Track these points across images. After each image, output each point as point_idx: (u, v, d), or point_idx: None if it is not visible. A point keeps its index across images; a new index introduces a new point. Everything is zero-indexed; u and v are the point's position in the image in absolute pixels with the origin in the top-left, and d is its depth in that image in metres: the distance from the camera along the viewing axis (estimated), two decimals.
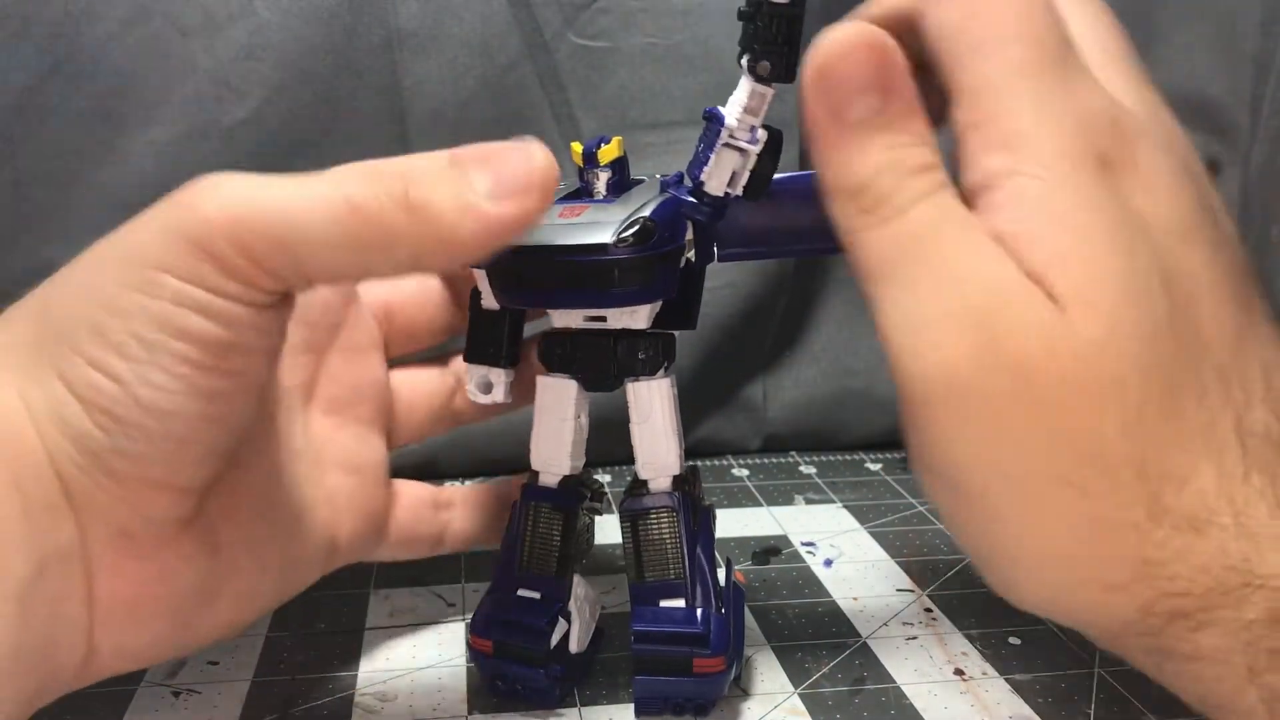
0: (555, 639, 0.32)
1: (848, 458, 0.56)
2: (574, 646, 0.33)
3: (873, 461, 0.55)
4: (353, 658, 0.36)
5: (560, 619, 0.33)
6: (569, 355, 0.33)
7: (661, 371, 0.33)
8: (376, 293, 0.36)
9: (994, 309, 0.24)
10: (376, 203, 0.25)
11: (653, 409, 0.32)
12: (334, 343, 0.35)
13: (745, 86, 0.29)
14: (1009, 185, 0.24)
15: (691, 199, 0.30)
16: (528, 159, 0.26)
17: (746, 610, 0.39)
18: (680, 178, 0.31)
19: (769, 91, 0.29)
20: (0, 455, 0.25)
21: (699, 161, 0.30)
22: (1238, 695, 0.24)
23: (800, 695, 0.34)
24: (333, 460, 0.34)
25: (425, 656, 0.36)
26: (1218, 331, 0.24)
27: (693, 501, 0.33)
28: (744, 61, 0.28)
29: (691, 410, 0.54)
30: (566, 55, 0.50)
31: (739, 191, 0.30)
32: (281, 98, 0.47)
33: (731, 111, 0.29)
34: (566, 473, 0.34)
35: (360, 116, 0.48)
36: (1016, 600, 0.26)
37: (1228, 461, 0.24)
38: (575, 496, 0.34)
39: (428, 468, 0.51)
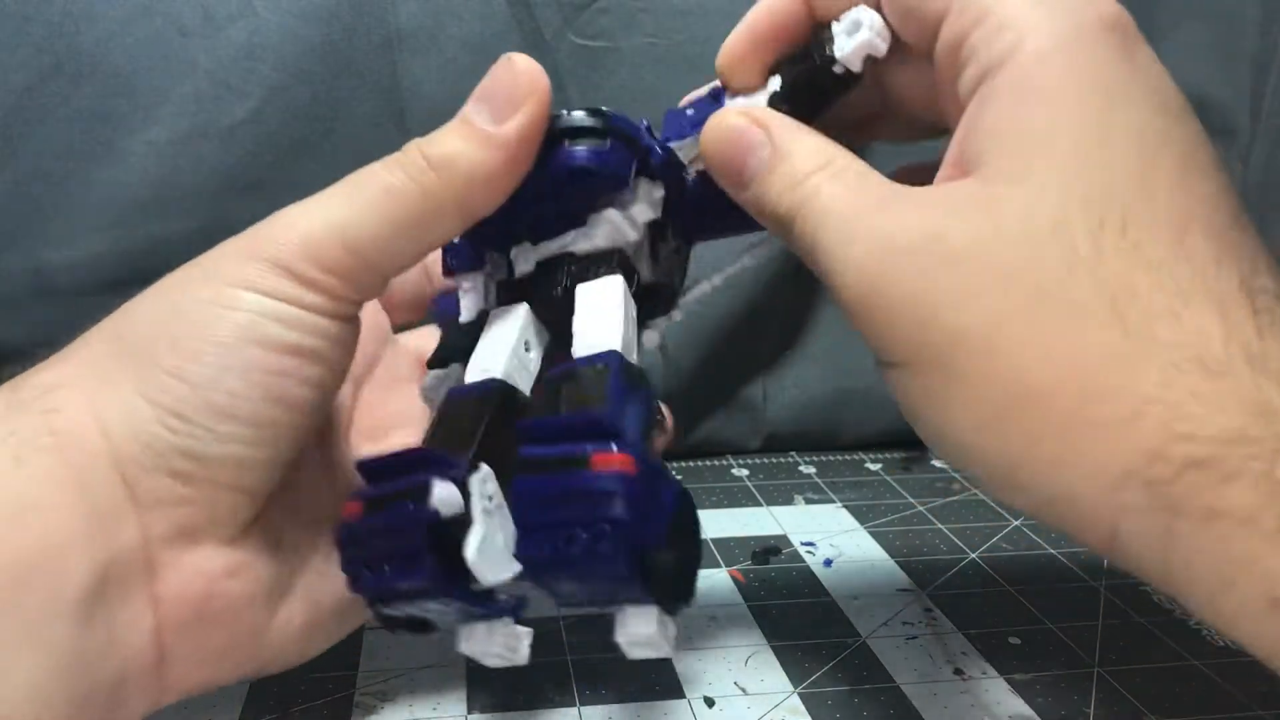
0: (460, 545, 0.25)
1: (848, 458, 0.56)
2: (473, 558, 0.25)
3: (873, 461, 0.55)
4: (352, 657, 0.36)
5: (462, 509, 0.25)
6: (523, 290, 0.31)
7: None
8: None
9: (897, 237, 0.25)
10: (405, 179, 0.27)
11: (603, 299, 0.30)
12: (371, 375, 0.36)
13: (752, 102, 0.31)
14: (1010, 62, 0.25)
15: (656, 145, 0.31)
16: (511, 72, 0.28)
17: (747, 609, 0.39)
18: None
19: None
20: (66, 460, 0.25)
21: (688, 121, 0.32)
22: (1260, 560, 0.20)
23: (800, 695, 0.34)
24: None
25: (424, 656, 0.36)
26: (1207, 200, 0.24)
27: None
28: (777, 96, 0.31)
29: (691, 410, 0.54)
30: (566, 55, 0.50)
31: (697, 168, 0.31)
32: (281, 98, 0.47)
33: (739, 101, 0.31)
34: (499, 375, 0.29)
35: (360, 117, 0.48)
36: (1007, 480, 0.24)
37: (1234, 313, 0.22)
38: (501, 392, 0.29)
39: None
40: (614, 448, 0.24)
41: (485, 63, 0.51)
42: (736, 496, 0.50)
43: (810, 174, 0.27)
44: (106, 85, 0.46)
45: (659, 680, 0.34)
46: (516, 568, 0.26)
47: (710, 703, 0.33)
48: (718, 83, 0.33)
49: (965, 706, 0.33)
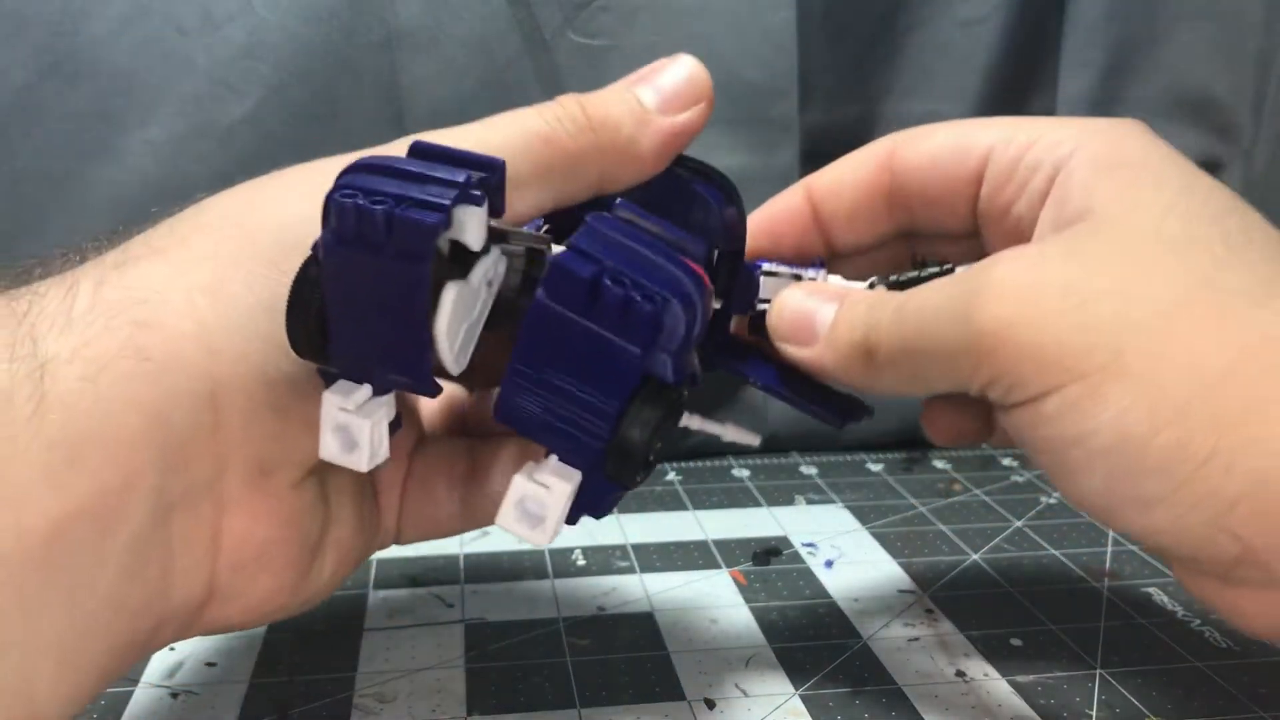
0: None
1: (848, 458, 0.55)
2: (447, 306, 0.22)
3: (873, 462, 0.55)
4: (351, 659, 0.36)
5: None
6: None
7: None
8: None
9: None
10: (562, 128, 0.27)
11: None
12: None
13: (848, 287, 0.31)
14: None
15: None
16: (687, 69, 0.28)
17: (748, 610, 0.39)
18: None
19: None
20: (153, 381, 0.23)
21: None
22: None
23: (801, 696, 0.34)
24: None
25: (424, 657, 0.36)
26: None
27: None
28: (878, 283, 0.31)
29: (691, 411, 0.54)
30: (566, 54, 0.50)
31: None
32: (280, 97, 0.47)
33: (831, 282, 0.31)
34: None
35: (359, 116, 0.48)
36: (1195, 473, 0.23)
37: None
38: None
39: None
40: (702, 267, 0.24)
41: (485, 62, 0.52)
42: (737, 497, 0.50)
43: (884, 298, 0.27)
44: (105, 84, 0.46)
45: (659, 682, 0.34)
46: (462, 364, 0.23)
47: (711, 704, 0.33)
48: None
49: (967, 708, 0.33)
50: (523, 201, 0.27)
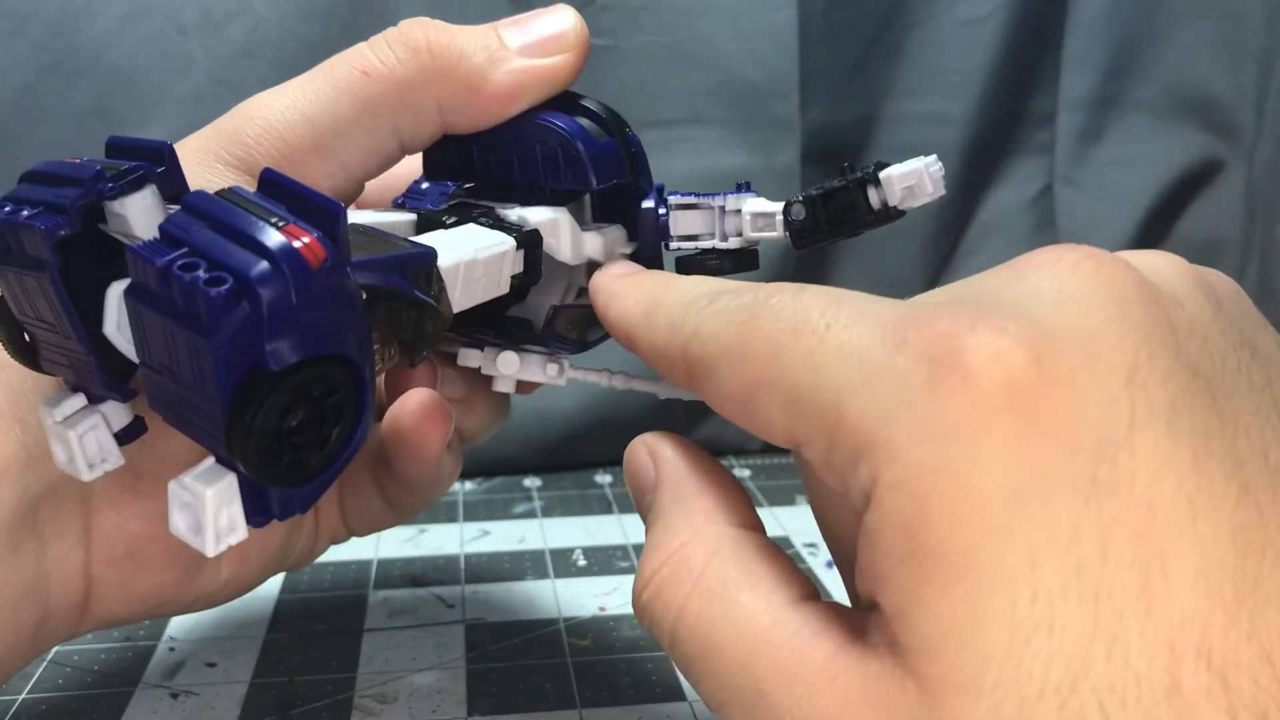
0: None
1: None
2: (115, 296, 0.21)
3: None
4: (351, 659, 0.36)
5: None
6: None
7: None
8: None
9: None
10: (389, 56, 0.26)
11: (477, 237, 0.26)
12: None
13: (770, 209, 0.27)
14: None
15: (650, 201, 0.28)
16: (560, 18, 0.27)
17: None
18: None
19: (771, 236, 0.27)
20: (9, 388, 0.24)
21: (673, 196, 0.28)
22: None
23: None
24: None
25: (424, 658, 0.36)
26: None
27: None
28: (794, 204, 0.27)
29: (692, 410, 0.54)
30: None
31: (629, 251, 0.28)
32: None
33: (750, 205, 0.27)
34: None
35: None
36: None
37: None
38: None
39: None
40: (317, 234, 0.19)
41: None
42: None
43: (664, 569, 0.21)
44: (105, 83, 0.46)
45: (660, 682, 0.34)
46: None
47: None
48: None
49: None
50: (351, 147, 0.26)
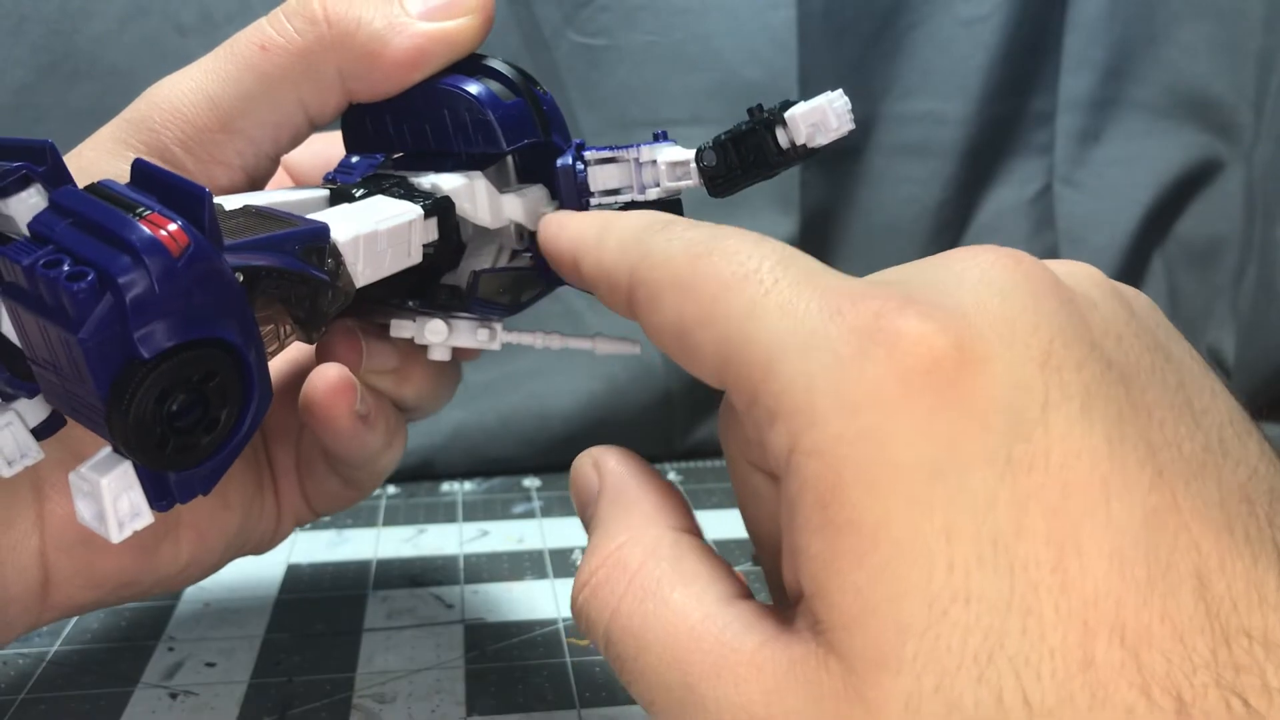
0: None
1: None
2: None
3: None
4: (351, 659, 0.36)
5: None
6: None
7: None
8: None
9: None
10: (285, 28, 0.26)
11: (381, 209, 0.26)
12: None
13: (684, 156, 0.27)
14: None
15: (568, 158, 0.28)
16: None
17: None
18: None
19: (688, 184, 0.27)
20: None
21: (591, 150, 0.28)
22: None
23: None
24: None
25: (423, 658, 0.36)
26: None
27: None
28: (705, 150, 0.27)
29: (692, 410, 0.54)
30: (566, 53, 0.50)
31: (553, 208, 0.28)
32: None
33: (665, 154, 0.27)
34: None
35: None
36: None
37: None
38: None
39: (423, 469, 0.51)
40: (180, 224, 0.19)
41: None
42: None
43: (602, 569, 0.21)
44: (104, 84, 0.46)
45: None
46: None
47: None
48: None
49: None
50: (257, 123, 0.26)
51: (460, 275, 0.29)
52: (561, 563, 0.43)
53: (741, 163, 0.27)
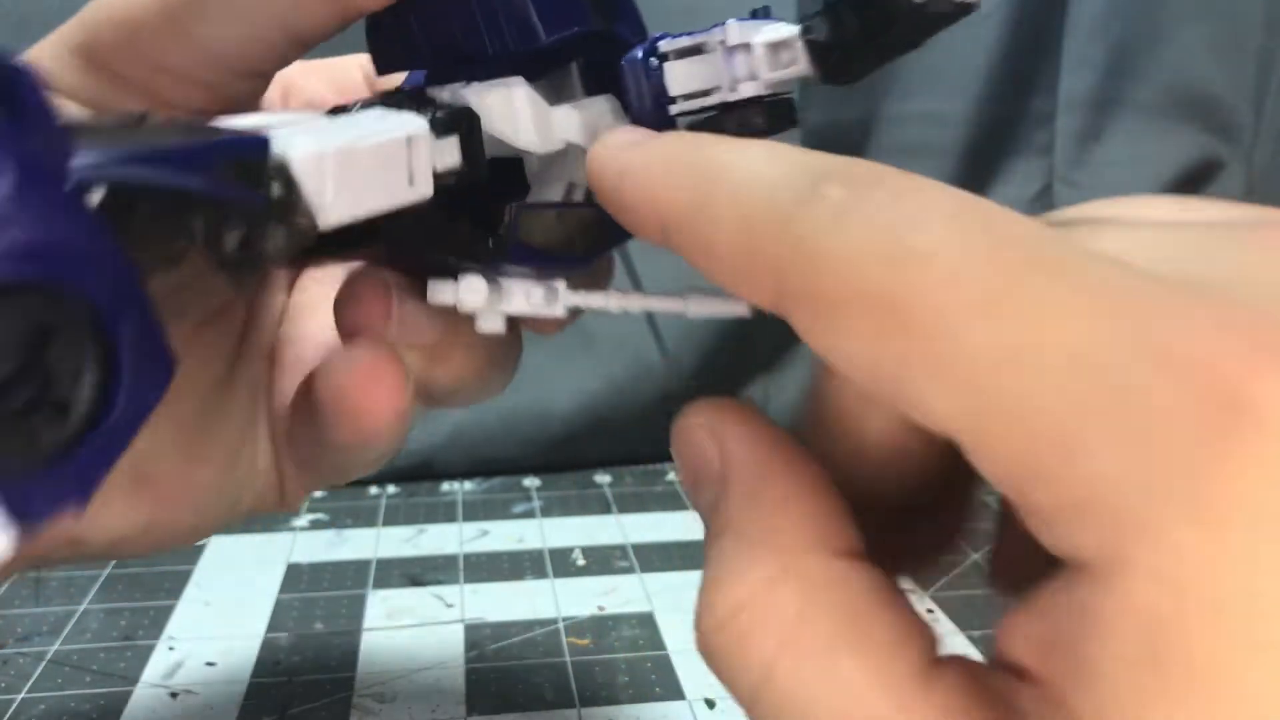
0: None
1: None
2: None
3: None
4: (350, 659, 0.36)
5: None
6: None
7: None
8: None
9: None
10: None
11: (376, 123, 0.20)
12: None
13: (787, 34, 0.21)
14: None
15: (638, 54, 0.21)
16: None
17: None
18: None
19: (795, 73, 0.21)
20: None
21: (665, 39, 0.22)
22: None
23: None
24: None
25: (424, 658, 0.36)
26: None
27: None
28: (814, 19, 0.20)
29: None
30: None
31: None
32: None
33: (763, 34, 0.21)
34: None
35: None
36: None
37: None
38: None
39: (423, 469, 0.51)
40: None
41: None
42: None
43: (742, 611, 0.16)
44: None
45: (659, 682, 0.34)
46: None
47: (711, 704, 0.33)
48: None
49: None
50: (218, 35, 0.21)
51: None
52: (561, 563, 0.43)
53: (865, 29, 0.20)
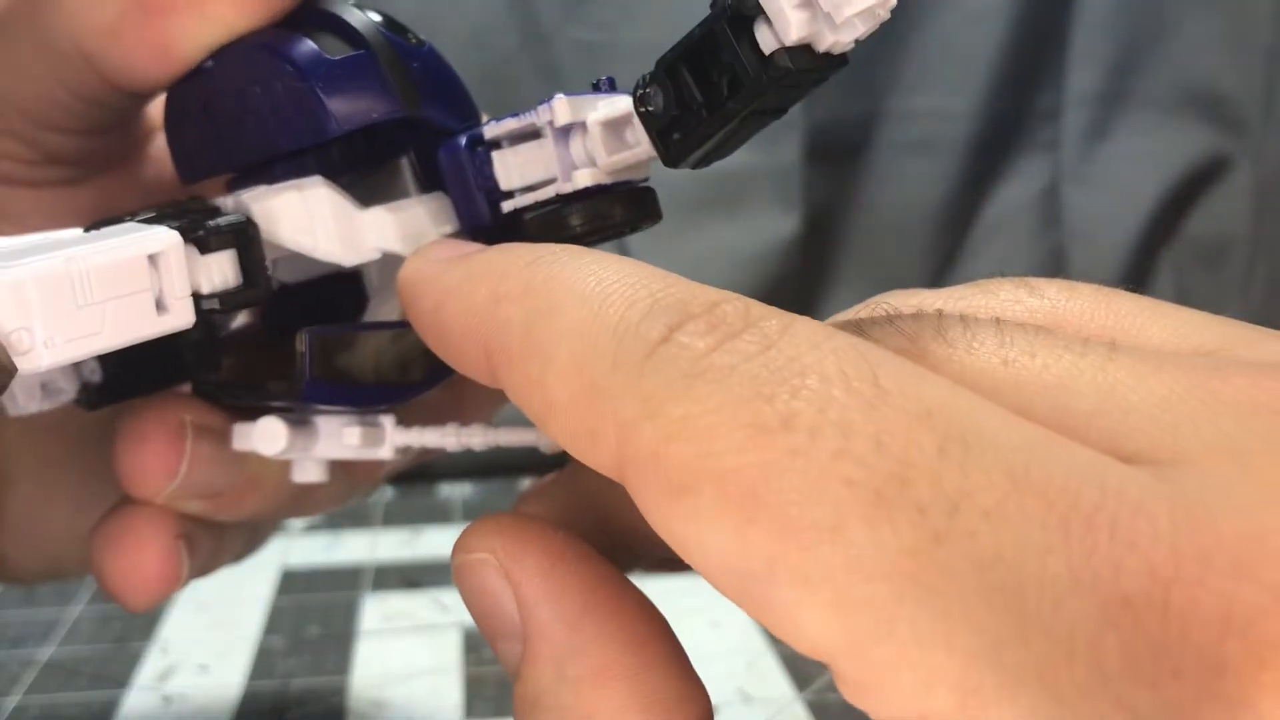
0: None
1: None
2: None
3: None
4: (346, 663, 0.35)
5: None
6: None
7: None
8: None
9: None
10: None
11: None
12: None
13: (621, 110, 0.17)
14: None
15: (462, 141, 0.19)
16: None
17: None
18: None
19: (639, 155, 0.17)
20: None
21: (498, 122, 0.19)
22: None
23: (804, 700, 0.33)
24: None
25: (420, 662, 0.35)
26: None
27: None
28: (645, 90, 0.17)
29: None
30: (565, 49, 0.49)
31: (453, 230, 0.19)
32: None
33: (597, 113, 0.18)
34: None
35: None
36: None
37: None
38: None
39: (420, 471, 0.51)
40: None
41: (482, 57, 0.51)
42: None
43: None
44: None
45: None
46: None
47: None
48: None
49: None
50: (15, 93, 0.19)
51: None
52: None
53: (706, 97, 0.16)
